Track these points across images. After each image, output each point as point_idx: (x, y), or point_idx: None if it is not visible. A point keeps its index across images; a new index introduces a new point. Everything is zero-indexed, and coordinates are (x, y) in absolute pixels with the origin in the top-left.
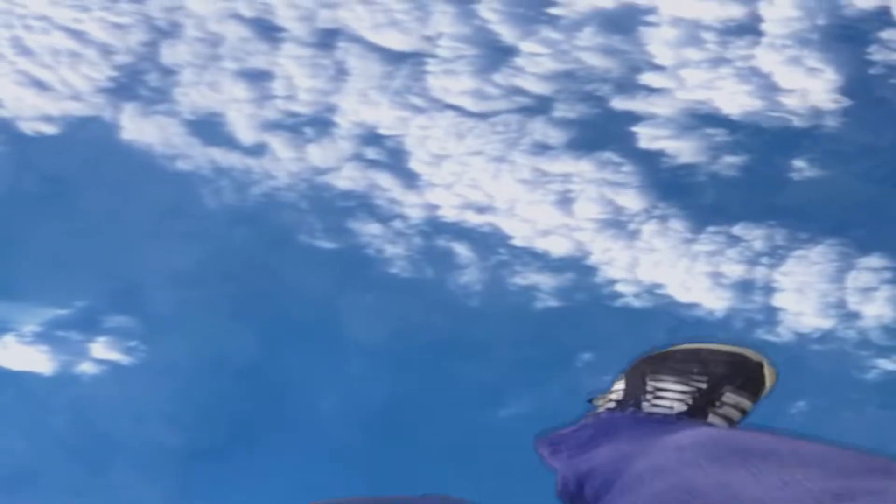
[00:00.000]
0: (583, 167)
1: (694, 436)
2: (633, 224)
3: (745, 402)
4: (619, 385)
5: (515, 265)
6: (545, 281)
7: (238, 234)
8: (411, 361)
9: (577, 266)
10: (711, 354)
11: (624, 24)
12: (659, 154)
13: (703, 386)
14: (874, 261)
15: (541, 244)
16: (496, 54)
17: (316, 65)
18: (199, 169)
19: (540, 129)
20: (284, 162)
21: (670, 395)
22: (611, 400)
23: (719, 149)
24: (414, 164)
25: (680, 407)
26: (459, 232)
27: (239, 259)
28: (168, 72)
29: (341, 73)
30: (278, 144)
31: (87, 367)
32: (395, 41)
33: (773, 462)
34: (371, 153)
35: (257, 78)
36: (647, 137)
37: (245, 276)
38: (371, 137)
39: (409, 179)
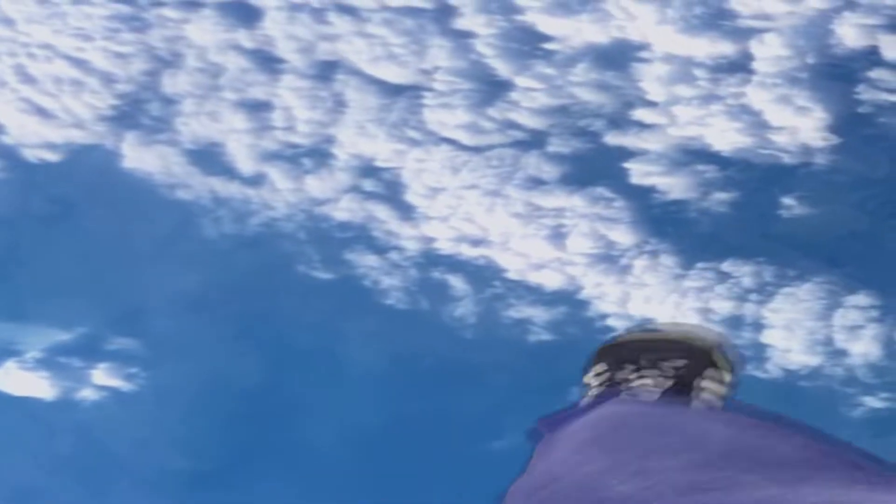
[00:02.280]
0: (575, 202)
1: (591, 419)
2: (625, 259)
3: (718, 384)
4: (600, 368)
5: (509, 298)
6: (538, 314)
7: (237, 264)
8: (407, 392)
9: (569, 300)
10: (666, 343)
11: (617, 60)
12: (650, 190)
13: (671, 372)
14: (861, 299)
15: (534, 278)
16: (491, 88)
17: (314, 97)
18: (198, 198)
19: (534, 164)
20: (283, 192)
21: (641, 382)
22: (594, 383)
23: (710, 185)
24: (410, 197)
25: (665, 384)
26: (454, 264)
27: (237, 288)
28: (169, 101)
29: (339, 105)
30: (277, 175)
31: (88, 394)
32: (393, 74)
33: (646, 445)
34: (368, 185)
35: (257, 109)
36: (638, 173)
37: (244, 305)
38: (368, 169)
39: (406, 212)
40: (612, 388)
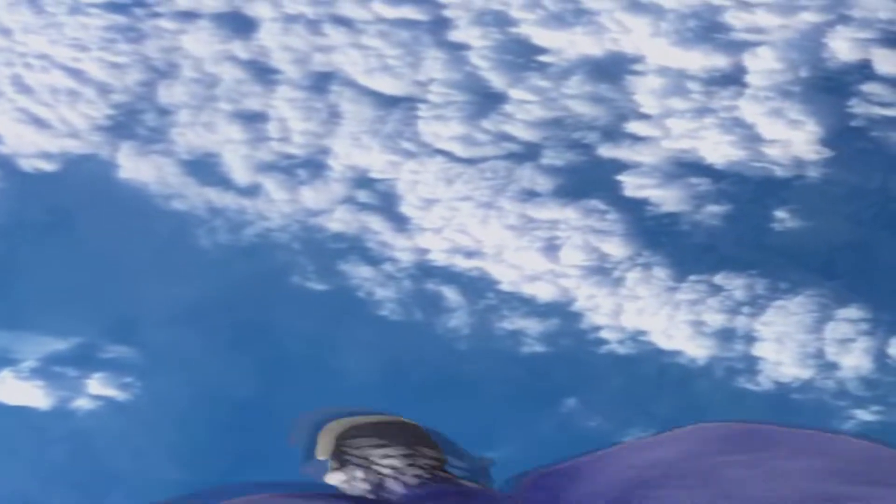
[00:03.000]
0: (569, 214)
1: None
2: (618, 271)
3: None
4: (335, 464)
5: (503, 310)
6: (531, 326)
7: (231, 274)
8: (400, 403)
9: (562, 312)
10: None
11: (611, 72)
12: (643, 202)
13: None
14: (852, 312)
15: (528, 289)
16: (485, 101)
17: (309, 108)
18: (194, 209)
19: (527, 176)
20: (278, 203)
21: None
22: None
23: (702, 198)
24: (405, 208)
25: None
26: (448, 276)
27: (232, 298)
28: (165, 112)
29: (334, 116)
30: (272, 186)
31: (83, 403)
32: (387, 86)
33: (778, 450)
34: (363, 196)
35: (252, 119)
36: (632, 186)
37: (238, 315)
38: (363, 181)
39: (400, 223)
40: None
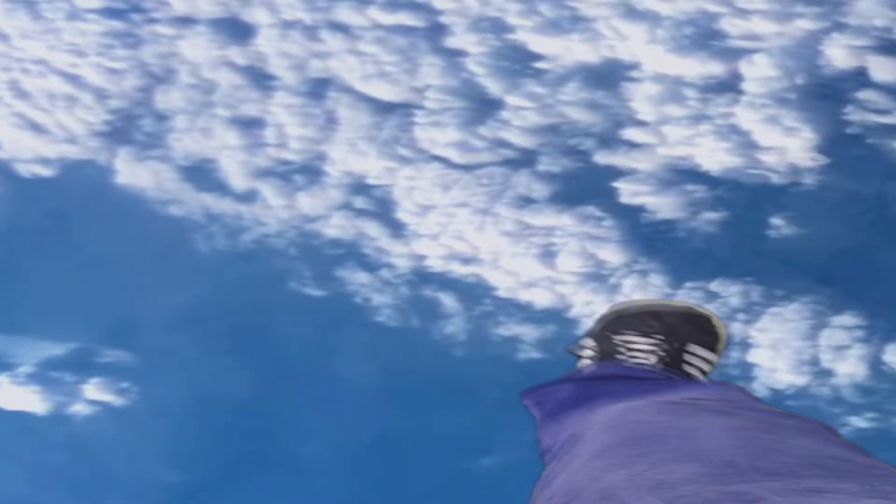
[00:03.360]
0: (565, 220)
1: (603, 419)
2: (614, 278)
3: (710, 355)
4: (588, 342)
5: (499, 316)
6: (528, 332)
7: (228, 279)
8: (397, 408)
9: (558, 318)
10: (665, 310)
11: (607, 79)
12: (640, 209)
13: (662, 338)
14: (847, 319)
15: (524, 296)
16: (482, 107)
17: (307, 114)
18: (191, 214)
19: (524, 182)
20: (275, 209)
21: (640, 347)
22: (588, 355)
23: (699, 205)
24: (401, 215)
25: (654, 359)
26: (445, 282)
27: (229, 303)
28: (162, 117)
29: (331, 122)
30: (269, 191)
31: (80, 408)
32: (384, 92)
33: (660, 454)
34: (359, 202)
35: (249, 125)
36: (628, 192)
37: (235, 320)
38: (359, 187)
39: (397, 229)
40: (606, 359)
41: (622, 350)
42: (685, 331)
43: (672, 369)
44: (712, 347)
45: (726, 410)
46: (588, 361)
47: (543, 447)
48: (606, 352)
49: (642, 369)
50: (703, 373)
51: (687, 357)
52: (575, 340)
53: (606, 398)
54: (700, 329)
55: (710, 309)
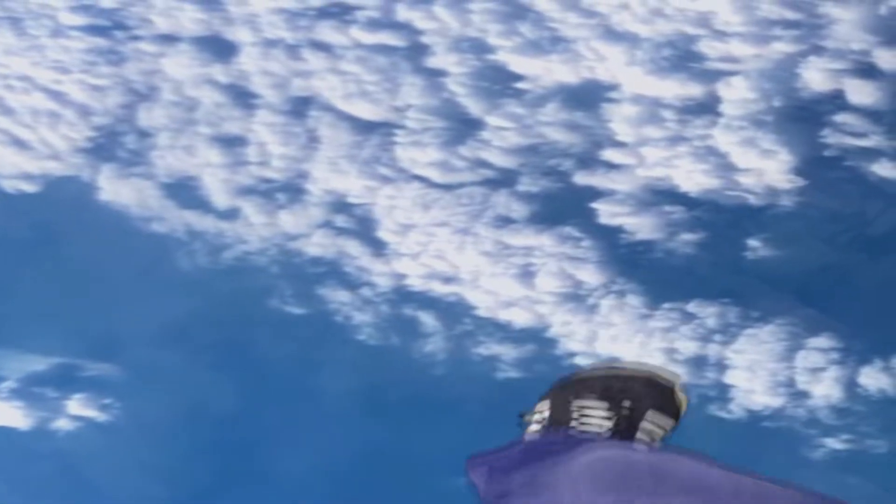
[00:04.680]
0: (544, 241)
1: (586, 464)
2: (592, 298)
3: (668, 421)
4: (543, 407)
5: (479, 335)
6: (507, 352)
7: (210, 296)
8: (376, 426)
9: (537, 338)
10: (629, 376)
11: (587, 100)
12: (618, 230)
13: (627, 405)
14: (822, 341)
15: (503, 315)
16: (462, 127)
17: (288, 132)
18: (173, 231)
19: (503, 203)
20: (257, 227)
21: (596, 414)
22: (538, 421)
23: (676, 226)
24: (382, 233)
25: (607, 425)
26: (425, 301)
27: (211, 320)
28: (145, 134)
29: (313, 140)
30: (251, 209)
31: (63, 424)
32: (365, 111)
33: (648, 488)
34: (340, 221)
35: (231, 143)
36: (606, 213)
37: (216, 337)
38: (341, 205)
39: (377, 248)
40: (554, 427)
41: (576, 416)
42: (646, 396)
43: (623, 438)
44: (672, 414)
45: (713, 462)
46: (536, 427)
47: (498, 492)
48: (558, 419)
49: (587, 438)
50: (654, 439)
51: (643, 424)
52: (529, 407)
53: (561, 454)
54: (661, 395)
55: (674, 373)
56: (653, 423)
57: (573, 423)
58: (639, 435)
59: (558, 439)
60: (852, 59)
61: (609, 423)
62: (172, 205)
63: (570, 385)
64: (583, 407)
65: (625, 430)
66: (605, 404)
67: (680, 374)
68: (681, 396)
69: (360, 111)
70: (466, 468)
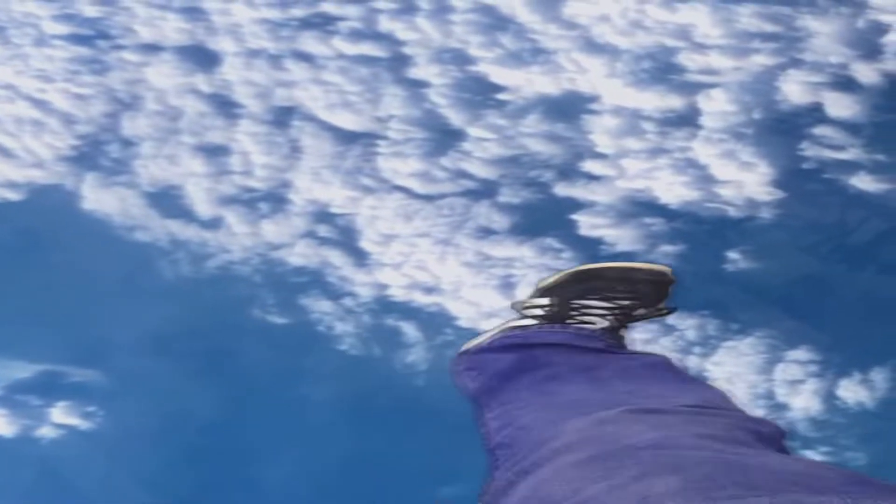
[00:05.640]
0: (525, 252)
1: (578, 427)
2: None
3: (663, 314)
4: (542, 301)
5: (461, 345)
6: None
7: (194, 305)
8: (360, 436)
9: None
10: (638, 274)
11: (568, 111)
12: (598, 241)
13: (624, 304)
14: (801, 354)
15: (485, 326)
16: (444, 138)
17: (271, 142)
18: (157, 240)
19: (484, 213)
20: (239, 236)
21: (594, 312)
22: (536, 313)
23: (656, 237)
24: (364, 244)
25: (602, 323)
26: (407, 311)
27: (194, 330)
28: (128, 143)
29: (295, 150)
30: (234, 219)
31: (46, 431)
32: (348, 121)
33: (638, 467)
34: (323, 231)
35: (215, 153)
36: (586, 225)
37: (199, 348)
38: (323, 215)
39: (360, 258)
40: (553, 319)
41: (574, 314)
42: (648, 296)
43: (612, 333)
44: (666, 308)
45: (696, 419)
46: (530, 322)
47: (493, 439)
48: (557, 314)
49: (580, 336)
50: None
51: (633, 323)
52: (528, 296)
53: (549, 382)
54: (662, 294)
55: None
56: (646, 319)
57: (568, 322)
58: (624, 331)
59: (553, 338)
60: (831, 72)
61: (603, 322)
62: (156, 213)
63: (578, 279)
64: (584, 307)
65: (618, 325)
66: (605, 303)
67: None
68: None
69: (342, 121)
70: (455, 366)
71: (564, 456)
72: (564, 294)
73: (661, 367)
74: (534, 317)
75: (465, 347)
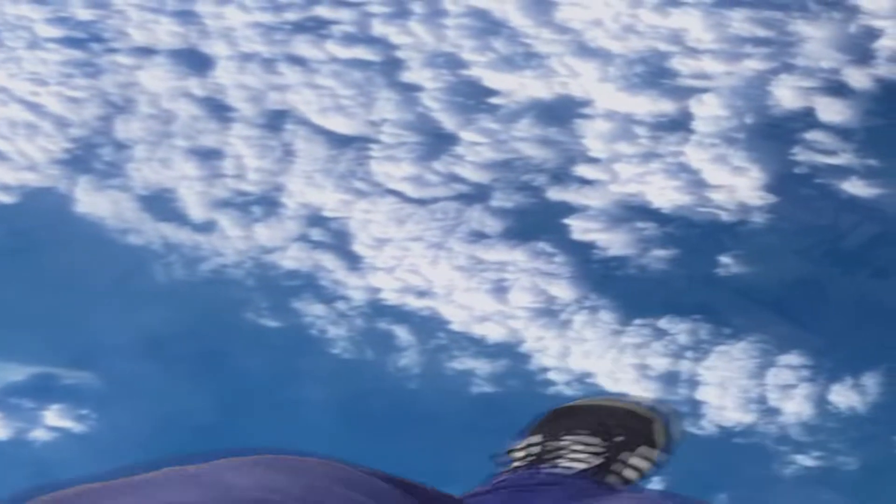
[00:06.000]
0: (517, 256)
1: None
2: (565, 314)
3: (658, 455)
4: (535, 439)
5: (453, 350)
6: (481, 366)
7: (186, 308)
8: (352, 438)
9: (511, 353)
10: (624, 411)
11: (560, 115)
12: (590, 245)
13: (619, 440)
14: (793, 358)
15: (477, 330)
16: (437, 142)
17: (264, 145)
18: (150, 243)
19: (477, 217)
20: (233, 240)
21: (587, 450)
22: (526, 454)
23: (649, 241)
24: (357, 247)
25: (595, 462)
26: (400, 315)
27: (186, 334)
28: (121, 146)
29: (288, 154)
30: (227, 222)
31: (40, 434)
32: (341, 125)
33: None
34: (316, 234)
35: (208, 156)
36: (579, 229)
37: (191, 350)
38: (316, 219)
39: (353, 262)
40: (533, 465)
41: (563, 453)
42: (638, 432)
43: (605, 473)
44: (663, 447)
45: None
46: (518, 465)
47: None
48: (543, 454)
49: (575, 475)
50: (641, 473)
51: (632, 460)
52: (511, 442)
53: None
54: (652, 429)
55: (669, 408)
56: (643, 458)
57: (561, 460)
58: (625, 471)
59: (541, 479)
60: (822, 77)
61: (598, 460)
62: (149, 217)
63: (561, 416)
64: (574, 442)
65: (607, 463)
66: (597, 440)
67: (668, 406)
68: (669, 432)
69: (335, 125)
70: None
71: None
72: (551, 431)
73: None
74: (523, 458)
75: (465, 496)
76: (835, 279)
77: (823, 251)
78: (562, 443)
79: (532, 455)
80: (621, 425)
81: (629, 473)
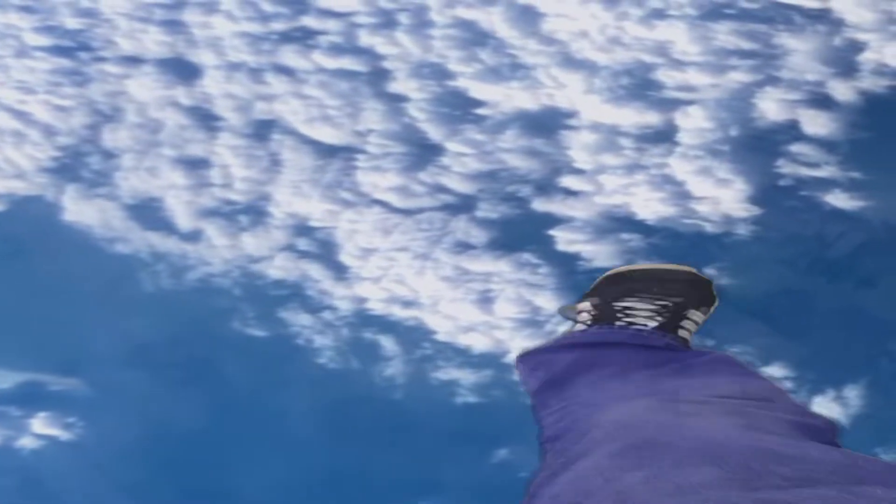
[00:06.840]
0: (502, 267)
1: (616, 418)
2: (550, 325)
3: (703, 318)
4: (586, 305)
5: (438, 360)
6: (465, 377)
7: (173, 317)
8: (339, 449)
9: (496, 363)
10: (668, 275)
11: (546, 127)
12: (575, 257)
13: (667, 304)
14: (775, 370)
15: (462, 340)
16: (422, 152)
17: (251, 155)
18: (137, 252)
19: (462, 228)
20: (219, 249)
21: (640, 314)
22: (584, 318)
23: (633, 253)
24: (343, 257)
25: (652, 325)
26: (385, 325)
27: (173, 341)
28: (109, 155)
29: (275, 164)
30: (214, 231)
31: (27, 442)
32: (327, 135)
33: (675, 457)
34: (303, 244)
35: (195, 165)
36: (563, 240)
37: (179, 358)
38: (303, 228)
39: (339, 272)
40: (603, 321)
41: (620, 316)
42: (688, 296)
43: (668, 333)
44: (707, 310)
45: (739, 410)
46: (583, 325)
47: (545, 432)
48: (604, 316)
49: (642, 335)
50: (691, 333)
51: (684, 322)
52: (570, 302)
53: (611, 380)
54: (700, 293)
55: (708, 274)
56: (691, 320)
57: (618, 323)
58: (681, 332)
59: (612, 338)
60: (807, 89)
61: (653, 323)
62: (136, 225)
63: (610, 283)
64: (626, 308)
65: (668, 326)
66: (646, 304)
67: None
68: (716, 293)
69: (322, 135)
70: (518, 365)
71: (602, 446)
72: (604, 296)
73: (721, 363)
74: (584, 321)
75: (526, 349)
76: (821, 288)
77: (808, 262)
78: (624, 303)
79: (589, 318)
80: (677, 287)
81: (684, 333)
